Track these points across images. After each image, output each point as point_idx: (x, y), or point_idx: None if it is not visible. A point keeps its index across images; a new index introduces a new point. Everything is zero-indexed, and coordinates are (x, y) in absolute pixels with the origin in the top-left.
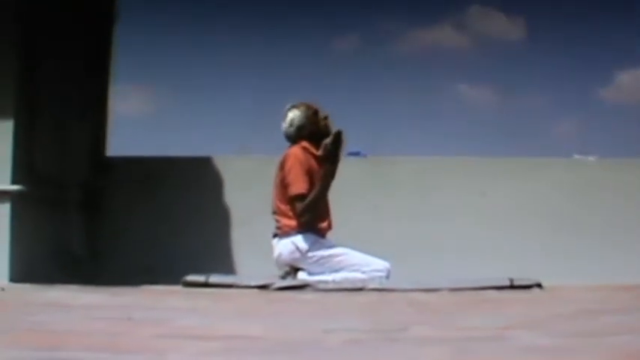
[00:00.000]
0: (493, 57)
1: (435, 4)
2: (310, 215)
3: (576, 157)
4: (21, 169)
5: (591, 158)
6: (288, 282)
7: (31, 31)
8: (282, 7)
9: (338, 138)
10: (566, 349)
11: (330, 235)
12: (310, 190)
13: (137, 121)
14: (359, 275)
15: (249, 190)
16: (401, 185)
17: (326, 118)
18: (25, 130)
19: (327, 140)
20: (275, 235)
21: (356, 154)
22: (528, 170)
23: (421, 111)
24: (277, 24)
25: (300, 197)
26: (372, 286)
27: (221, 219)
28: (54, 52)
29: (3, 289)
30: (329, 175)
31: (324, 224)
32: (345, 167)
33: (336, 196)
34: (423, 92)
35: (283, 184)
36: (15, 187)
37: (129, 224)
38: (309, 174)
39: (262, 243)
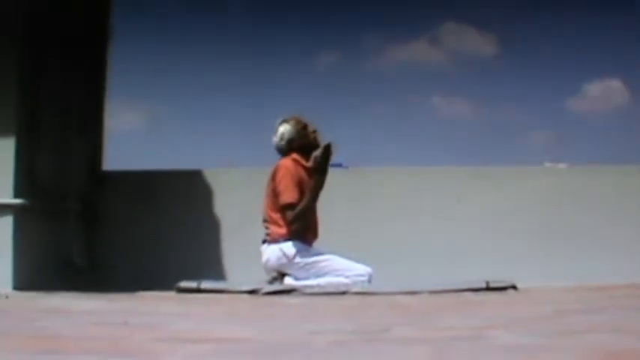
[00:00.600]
0: (467, 71)
1: (411, 21)
2: (300, 223)
3: (547, 164)
4: (23, 182)
5: (562, 165)
6: (276, 287)
7: (33, 48)
8: (269, 26)
9: (327, 150)
10: (543, 347)
11: (315, 242)
12: (300, 199)
13: (132, 136)
14: (342, 280)
15: (238, 201)
16: (381, 194)
17: (314, 131)
18: (26, 144)
19: (317, 152)
20: (264, 242)
21: (338, 165)
22: (502, 178)
23: (399, 123)
24: (263, 42)
25: (291, 206)
26: (355, 289)
27: (212, 228)
28: (54, 67)
29: (7, 297)
30: (318, 186)
31: (311, 233)
32: (328, 178)
33: (321, 205)
34: (401, 105)
35: (274, 194)
36: (17, 201)
37: (125, 234)
38: (299, 184)
39: (251, 250)
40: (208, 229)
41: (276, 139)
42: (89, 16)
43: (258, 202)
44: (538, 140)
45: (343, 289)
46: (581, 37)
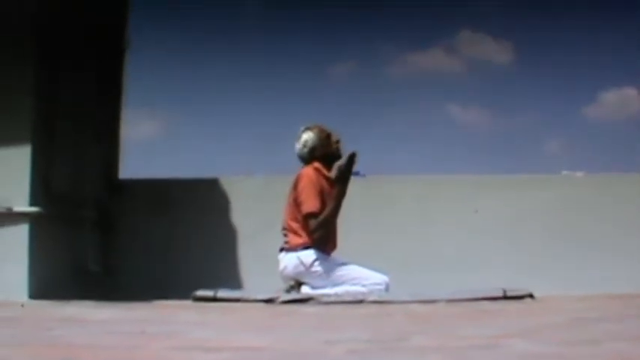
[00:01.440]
0: (483, 79)
1: (427, 29)
2: (322, 232)
3: (565, 173)
4: (38, 190)
5: (579, 174)
6: (293, 295)
7: (49, 56)
8: (284, 34)
9: (352, 160)
10: (560, 356)
11: (333, 252)
12: (322, 209)
13: (148, 144)
14: (360, 289)
15: (255, 209)
16: (398, 203)
17: (338, 141)
18: (42, 152)
19: (341, 161)
20: (282, 250)
21: (356, 174)
22: (519, 187)
23: (415, 132)
24: (279, 51)
25: (314, 215)
26: (372, 298)
27: (228, 236)
28: (69, 76)
29: (22, 306)
30: (341, 195)
31: (331, 243)
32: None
33: (339, 213)
34: (417, 114)
35: (296, 203)
36: (33, 209)
37: (141, 242)
38: (321, 194)
39: (267, 259)
40: (225, 238)
41: (299, 146)
42: (105, 24)
43: (274, 211)
44: (554, 148)
45: (360, 297)
46: (596, 45)
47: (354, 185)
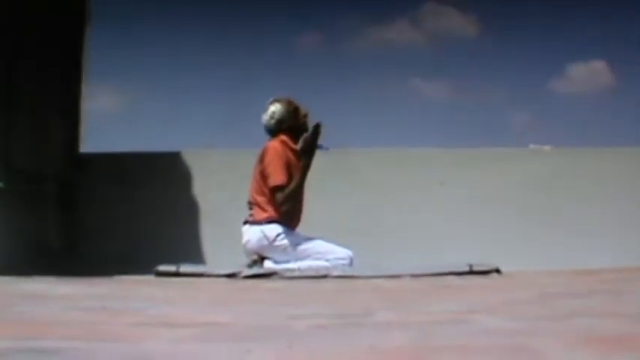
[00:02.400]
0: (448, 52)
1: (392, 1)
2: (289, 205)
3: (532, 147)
4: None
5: (546, 148)
6: (256, 270)
7: (8, 29)
8: (249, 5)
9: (317, 130)
10: (527, 331)
11: (297, 227)
12: (289, 181)
13: (110, 118)
14: (323, 263)
15: (218, 183)
16: (362, 176)
17: (305, 115)
18: (1, 127)
19: (307, 134)
20: (245, 222)
21: (319, 147)
22: (485, 160)
23: (379, 105)
24: (243, 23)
25: (280, 188)
26: (336, 273)
27: (191, 210)
28: (30, 50)
29: None
30: (307, 168)
31: (296, 217)
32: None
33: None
34: (380, 87)
35: (262, 176)
36: None
37: (103, 217)
38: (288, 166)
39: (231, 233)
40: (187, 212)
41: (266, 117)
42: None
43: (238, 184)
44: (521, 122)
45: (324, 272)
46: (563, 19)
47: (317, 159)
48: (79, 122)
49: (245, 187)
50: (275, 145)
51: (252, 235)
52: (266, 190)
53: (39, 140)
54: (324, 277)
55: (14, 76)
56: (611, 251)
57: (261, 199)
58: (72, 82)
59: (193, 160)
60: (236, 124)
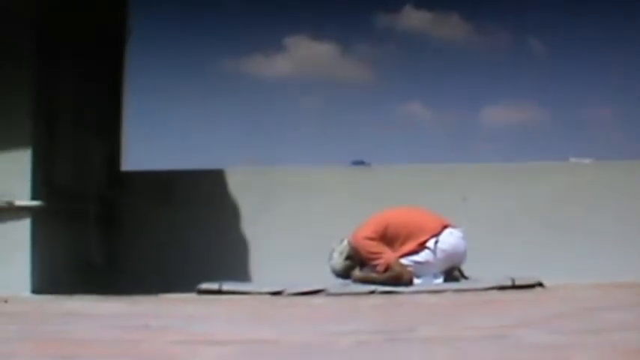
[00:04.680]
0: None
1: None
2: None
3: (573, 160)
4: (40, 184)
5: (586, 161)
6: (300, 288)
7: (50, 48)
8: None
9: None
10: (567, 346)
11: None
12: None
13: (150, 136)
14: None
15: (260, 200)
16: (399, 191)
17: None
18: (43, 146)
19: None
20: None
21: (360, 163)
22: (519, 175)
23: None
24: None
25: None
26: (381, 289)
27: (233, 228)
28: (70, 68)
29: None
30: None
31: None
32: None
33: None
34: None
35: None
36: (35, 203)
37: (145, 235)
38: None
39: (274, 251)
40: (230, 229)
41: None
42: (107, 15)
43: (278, 201)
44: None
45: (371, 289)
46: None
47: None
48: (120, 140)
49: (286, 204)
50: None
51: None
52: None
53: (80, 158)
54: (372, 293)
55: (55, 94)
56: None
57: None
58: (113, 100)
59: (234, 176)
60: (272, 141)
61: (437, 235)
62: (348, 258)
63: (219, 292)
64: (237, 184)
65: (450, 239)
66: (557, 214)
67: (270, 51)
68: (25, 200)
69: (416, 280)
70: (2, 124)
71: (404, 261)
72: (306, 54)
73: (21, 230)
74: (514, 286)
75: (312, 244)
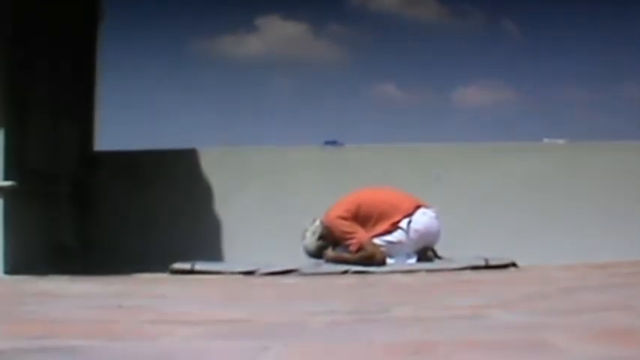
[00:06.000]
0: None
1: None
2: None
3: (546, 140)
4: (13, 165)
5: (560, 141)
6: (273, 268)
7: (22, 30)
8: None
9: None
10: (543, 326)
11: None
12: None
13: (122, 116)
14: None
15: (232, 179)
16: (372, 171)
17: None
18: (15, 127)
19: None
20: None
21: (332, 143)
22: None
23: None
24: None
25: None
26: (354, 269)
27: (206, 207)
28: (43, 50)
29: None
30: None
31: None
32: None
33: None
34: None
35: None
36: (7, 183)
37: (117, 215)
38: None
39: (246, 230)
40: (202, 209)
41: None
42: None
43: (251, 181)
44: None
45: (344, 269)
46: None
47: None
48: (93, 121)
49: (259, 184)
50: None
51: None
52: None
53: (53, 139)
54: (345, 273)
55: (27, 75)
56: (624, 245)
57: None
58: (85, 82)
59: (207, 156)
60: (245, 121)
61: (410, 215)
62: (320, 238)
63: (191, 271)
64: (210, 164)
65: (423, 219)
66: (530, 194)
67: (242, 31)
68: None
69: (389, 260)
70: None
71: (377, 241)
72: (278, 34)
73: None
74: (487, 266)
75: (284, 224)
